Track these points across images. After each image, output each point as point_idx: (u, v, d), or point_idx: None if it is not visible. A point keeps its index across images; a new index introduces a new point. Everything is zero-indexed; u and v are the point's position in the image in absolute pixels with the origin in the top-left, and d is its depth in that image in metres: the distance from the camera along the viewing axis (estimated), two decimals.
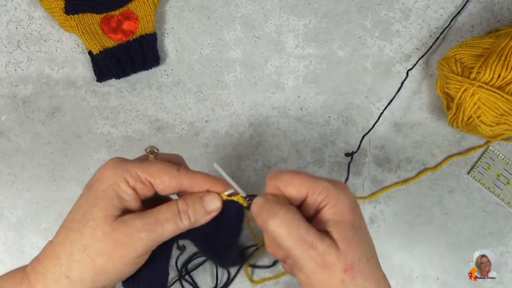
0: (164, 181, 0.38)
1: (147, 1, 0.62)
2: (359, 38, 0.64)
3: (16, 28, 0.63)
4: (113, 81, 0.63)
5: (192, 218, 0.38)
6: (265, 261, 0.60)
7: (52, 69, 0.63)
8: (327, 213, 0.37)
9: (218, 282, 0.59)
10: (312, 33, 0.64)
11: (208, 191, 0.39)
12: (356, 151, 0.61)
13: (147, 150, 0.40)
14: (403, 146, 0.63)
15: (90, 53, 0.61)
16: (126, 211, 0.37)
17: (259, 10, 0.64)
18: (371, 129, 0.60)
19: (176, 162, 0.41)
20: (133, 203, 0.38)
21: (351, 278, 0.35)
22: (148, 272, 0.40)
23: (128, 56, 0.61)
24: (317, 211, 0.38)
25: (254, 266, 0.60)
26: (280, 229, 0.36)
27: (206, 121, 0.62)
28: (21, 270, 0.38)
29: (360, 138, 0.61)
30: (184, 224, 0.38)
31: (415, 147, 0.63)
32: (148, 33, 0.62)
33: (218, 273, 0.59)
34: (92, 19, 0.62)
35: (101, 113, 0.62)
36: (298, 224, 0.36)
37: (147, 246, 0.37)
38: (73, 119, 0.62)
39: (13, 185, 0.61)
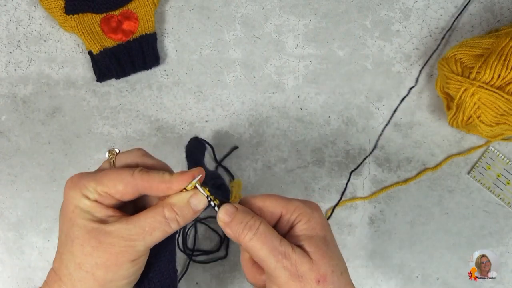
0: (119, 190, 0.37)
1: (147, 1, 0.62)
2: (359, 38, 0.64)
3: (16, 28, 0.63)
4: (113, 81, 0.62)
5: (182, 222, 0.38)
6: None
7: (52, 69, 0.63)
8: (300, 229, 0.38)
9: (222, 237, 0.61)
10: (312, 33, 0.64)
11: (191, 190, 0.38)
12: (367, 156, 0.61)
13: (107, 153, 0.40)
14: (403, 146, 0.63)
15: (90, 53, 0.61)
16: (106, 219, 0.37)
17: (259, 10, 0.64)
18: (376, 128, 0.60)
19: (136, 161, 0.40)
20: (107, 212, 0.37)
21: None
22: (155, 273, 0.40)
23: (128, 56, 0.61)
24: (291, 228, 0.38)
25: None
26: (253, 242, 0.36)
27: (206, 121, 0.62)
28: None
29: (363, 138, 0.61)
30: (173, 229, 0.38)
31: (415, 147, 0.63)
32: (148, 33, 0.62)
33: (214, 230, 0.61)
34: (92, 19, 0.62)
35: (101, 113, 0.62)
36: (272, 235, 0.36)
37: (139, 252, 0.36)
38: (73, 119, 0.62)
39: (13, 185, 0.61)
